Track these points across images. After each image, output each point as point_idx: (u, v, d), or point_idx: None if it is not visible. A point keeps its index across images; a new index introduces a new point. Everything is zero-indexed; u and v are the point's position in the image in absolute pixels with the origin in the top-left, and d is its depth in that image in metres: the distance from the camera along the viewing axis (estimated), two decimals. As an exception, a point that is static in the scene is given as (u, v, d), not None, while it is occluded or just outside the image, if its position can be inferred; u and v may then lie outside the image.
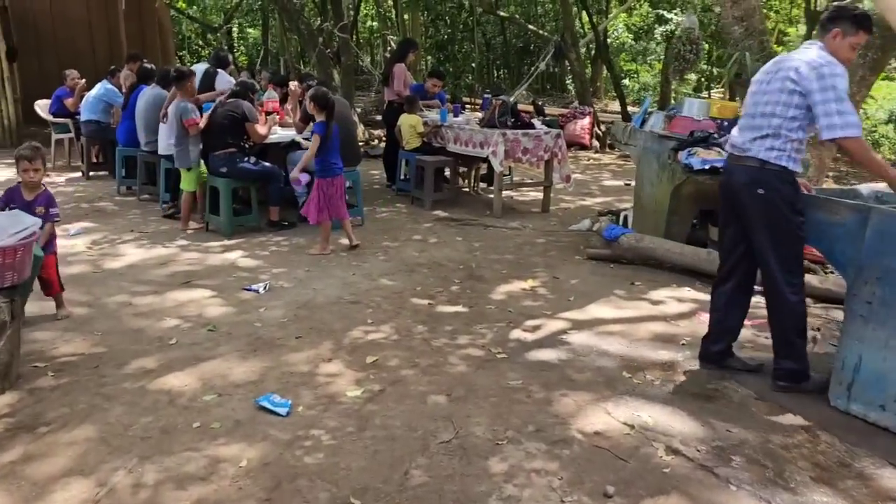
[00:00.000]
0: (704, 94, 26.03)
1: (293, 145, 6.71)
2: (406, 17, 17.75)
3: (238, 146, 6.03)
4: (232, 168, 6.01)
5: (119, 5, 13.40)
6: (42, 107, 9.46)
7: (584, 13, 20.14)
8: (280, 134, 6.62)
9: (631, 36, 25.92)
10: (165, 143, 6.78)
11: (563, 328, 4.27)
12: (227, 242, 5.94)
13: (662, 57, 20.36)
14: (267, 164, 6.23)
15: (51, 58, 13.43)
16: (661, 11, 15.95)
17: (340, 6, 11.06)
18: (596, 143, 12.96)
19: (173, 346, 3.88)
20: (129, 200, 7.54)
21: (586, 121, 12.95)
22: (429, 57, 19.17)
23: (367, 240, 6.10)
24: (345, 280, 5.07)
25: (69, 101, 9.17)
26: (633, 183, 9.24)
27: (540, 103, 15.60)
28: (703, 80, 26.84)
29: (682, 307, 4.69)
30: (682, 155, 5.36)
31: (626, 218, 6.43)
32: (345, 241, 5.94)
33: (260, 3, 17.51)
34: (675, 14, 15.32)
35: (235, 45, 24.57)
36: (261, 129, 6.14)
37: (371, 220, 6.83)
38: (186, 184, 6.23)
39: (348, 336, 4.07)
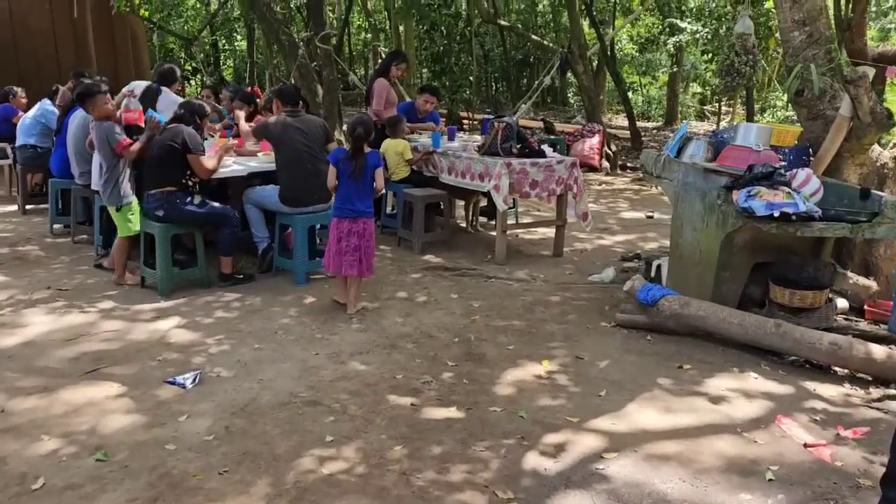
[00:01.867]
0: (710, 107, 24.98)
1: (254, 179, 5.52)
2: (401, 27, 16.61)
3: (179, 183, 4.84)
4: (171, 210, 4.81)
5: (83, 13, 12.27)
6: (-25, 129, 8.26)
7: (587, 23, 19.09)
8: (233, 168, 5.40)
9: (636, 47, 24.87)
10: (98, 175, 5.60)
11: (596, 448, 3.07)
12: (162, 304, 4.74)
13: (674, 69, 19.24)
14: (216, 204, 5.03)
15: (10, 71, 12.32)
16: (673, 20, 14.79)
17: (321, 15, 9.91)
18: (606, 165, 11.79)
19: (36, 493, 2.67)
20: (62, 243, 6.33)
21: (595, 139, 11.78)
22: (424, 70, 18.03)
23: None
24: (304, 364, 3.87)
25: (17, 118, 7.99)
26: (654, 214, 8.09)
27: (547, 120, 14.46)
28: (707, 91, 25.83)
29: (752, 407, 3.48)
30: (738, 196, 4.18)
31: (658, 269, 5.24)
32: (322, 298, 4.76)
33: (239, 12, 16.39)
34: (689, 23, 14.18)
35: (221, 57, 23.50)
36: (207, 161, 4.94)
37: (348, 268, 5.62)
38: (122, 228, 5.05)
39: (295, 468, 2.87)
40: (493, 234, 6.52)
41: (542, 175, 5.74)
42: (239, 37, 23.15)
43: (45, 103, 7.40)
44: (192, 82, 23.49)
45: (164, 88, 5.65)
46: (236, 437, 3.09)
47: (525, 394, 3.58)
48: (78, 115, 6.04)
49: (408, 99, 9.31)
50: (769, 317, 4.24)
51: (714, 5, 13.59)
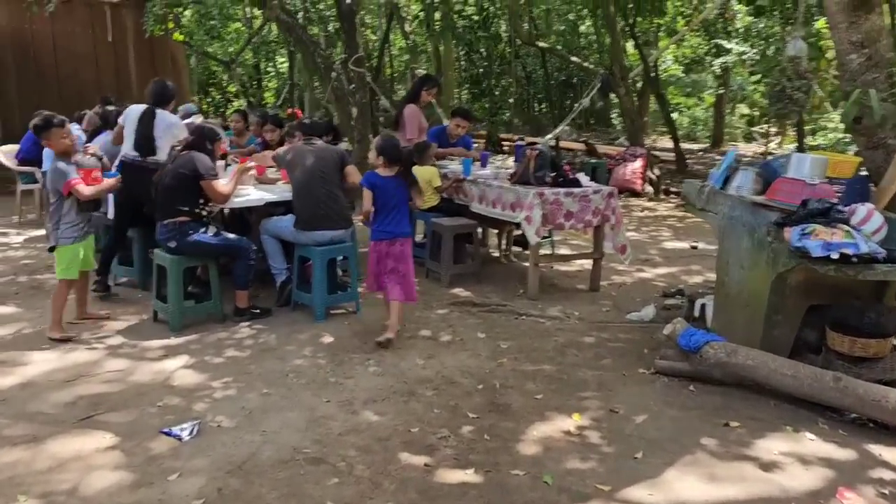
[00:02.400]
0: (758, 129, 24.28)
1: (276, 209, 5.28)
2: (441, 48, 16.43)
3: (192, 213, 4.63)
4: (182, 242, 4.60)
5: (123, 38, 12.39)
6: (6, 153, 8.25)
7: (630, 44, 18.69)
8: (250, 197, 5.17)
9: (681, 68, 24.35)
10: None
11: (629, 525, 2.70)
12: (172, 341, 4.50)
13: (721, 91, 18.69)
14: (231, 235, 4.81)
15: (52, 94, 12.48)
16: (719, 41, 14.33)
17: (354, 38, 9.75)
18: (649, 189, 11.36)
19: (1, 566, 2.43)
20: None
21: (638, 163, 11.38)
22: (463, 92, 17.83)
23: (360, 337, 4.63)
24: (312, 413, 3.58)
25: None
26: (699, 244, 7.66)
27: (590, 142, 14.03)
28: (755, 113, 25.15)
29: (809, 476, 3.08)
30: (791, 234, 3.78)
31: (703, 308, 4.84)
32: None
33: (277, 35, 16.46)
34: (736, 44, 13.70)
35: (263, 80, 23.69)
36: (222, 186, 4.74)
37: (371, 303, 5.30)
38: (57, 269, 4.59)
39: (288, 542, 2.57)
40: (525, 264, 6.20)
41: (578, 205, 5.39)
42: (281, 59, 23.33)
43: (72, 127, 7.31)
44: (235, 104, 23.73)
45: (158, 110, 5.31)
46: (228, 502, 2.80)
47: (552, 454, 3.23)
48: (101, 140, 5.94)
49: (446, 122, 9.04)
50: (826, 366, 3.83)
51: (762, 26, 13.09)
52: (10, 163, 8.12)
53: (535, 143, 5.72)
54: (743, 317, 4.27)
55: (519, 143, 5.94)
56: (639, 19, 15.27)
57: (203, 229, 4.67)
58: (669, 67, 24.03)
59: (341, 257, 5.20)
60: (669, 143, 18.03)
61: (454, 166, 6.38)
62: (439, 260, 5.85)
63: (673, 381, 4.03)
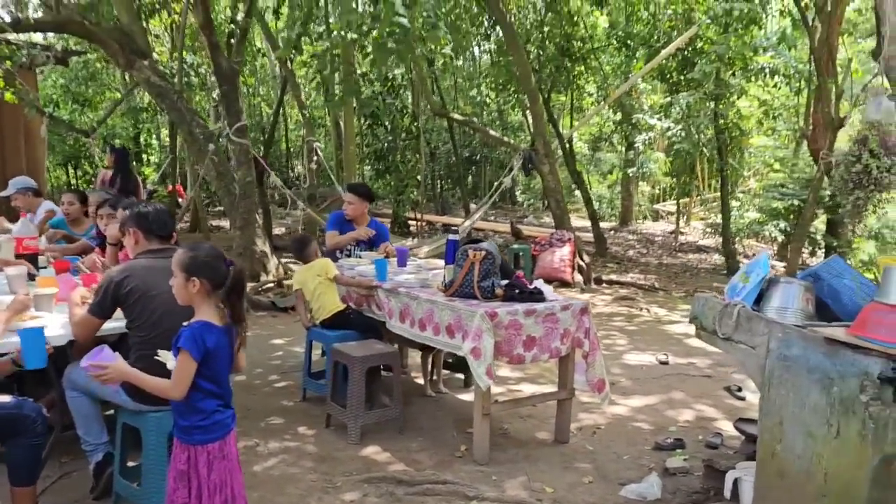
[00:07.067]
0: (662, 206, 24.02)
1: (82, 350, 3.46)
2: (341, 122, 14.98)
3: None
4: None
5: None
6: None
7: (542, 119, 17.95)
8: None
9: (586, 145, 23.96)
10: None
11: None
12: None
13: (633, 168, 18.01)
14: (6, 399, 2.94)
15: None
16: (640, 115, 13.55)
17: (236, 102, 8.09)
18: (579, 278, 10.06)
19: None
20: None
21: (566, 249, 10.10)
22: (366, 167, 16.36)
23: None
24: None
25: None
26: (668, 358, 6.22)
27: (516, 224, 12.70)
28: (658, 191, 25.06)
29: None
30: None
31: (736, 484, 3.34)
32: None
33: (149, 102, 14.60)
34: (659, 120, 12.89)
35: (145, 152, 21.55)
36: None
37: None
38: None
39: None
40: (463, 398, 4.65)
41: (542, 329, 3.84)
42: (165, 130, 21.29)
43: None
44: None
45: None
46: None
47: None
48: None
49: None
50: None
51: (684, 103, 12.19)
52: None
53: (478, 241, 4.16)
54: (813, 510, 2.79)
55: (451, 238, 4.35)
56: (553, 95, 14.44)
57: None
58: (575, 145, 23.59)
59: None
60: (582, 222, 17.10)
61: (363, 267, 4.75)
62: (344, 403, 4.13)
63: None
